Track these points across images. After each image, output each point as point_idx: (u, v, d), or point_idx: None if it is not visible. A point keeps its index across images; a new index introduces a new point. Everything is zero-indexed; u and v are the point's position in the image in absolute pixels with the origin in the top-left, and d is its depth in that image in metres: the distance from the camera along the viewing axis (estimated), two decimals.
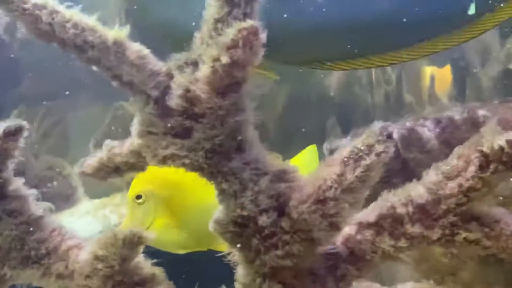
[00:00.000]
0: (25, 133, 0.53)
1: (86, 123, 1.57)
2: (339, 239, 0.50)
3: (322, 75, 1.45)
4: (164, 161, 0.46)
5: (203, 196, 0.76)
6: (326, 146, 0.80)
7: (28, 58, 1.44)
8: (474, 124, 0.76)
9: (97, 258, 0.52)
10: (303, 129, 1.36)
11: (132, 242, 0.51)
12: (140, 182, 0.84)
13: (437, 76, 1.46)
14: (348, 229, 0.50)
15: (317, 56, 0.86)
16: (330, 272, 0.50)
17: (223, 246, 0.52)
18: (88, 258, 0.53)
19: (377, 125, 0.84)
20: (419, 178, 0.48)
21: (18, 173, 0.56)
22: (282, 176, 0.47)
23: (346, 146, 0.60)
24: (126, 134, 0.50)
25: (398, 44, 0.86)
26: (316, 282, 0.50)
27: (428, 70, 1.48)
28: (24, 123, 0.53)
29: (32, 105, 1.52)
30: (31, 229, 0.54)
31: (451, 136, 0.76)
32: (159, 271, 0.54)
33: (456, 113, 0.78)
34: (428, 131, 0.77)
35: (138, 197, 0.83)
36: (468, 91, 1.38)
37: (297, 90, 1.45)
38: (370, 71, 1.42)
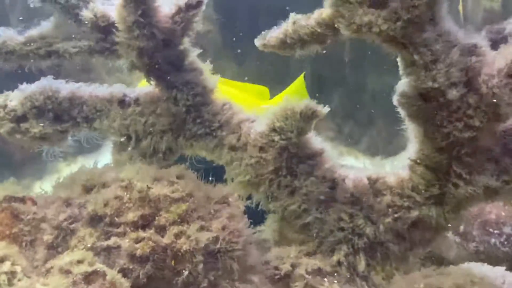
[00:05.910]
0: (203, 7, 0.54)
1: None
2: None
3: None
4: (359, 29, 0.47)
5: None
6: (486, 29, 0.78)
7: None
8: None
9: (274, 130, 0.54)
10: None
11: (308, 116, 0.53)
12: None
13: None
14: None
15: None
16: (506, 151, 0.50)
17: None
18: (264, 130, 0.55)
19: None
20: None
21: None
22: (472, 49, 0.47)
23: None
24: None
25: None
26: (491, 160, 0.50)
27: None
28: None
29: None
30: (205, 100, 0.56)
31: None
32: (327, 147, 0.56)
33: None
34: None
35: None
36: None
37: None
38: None
